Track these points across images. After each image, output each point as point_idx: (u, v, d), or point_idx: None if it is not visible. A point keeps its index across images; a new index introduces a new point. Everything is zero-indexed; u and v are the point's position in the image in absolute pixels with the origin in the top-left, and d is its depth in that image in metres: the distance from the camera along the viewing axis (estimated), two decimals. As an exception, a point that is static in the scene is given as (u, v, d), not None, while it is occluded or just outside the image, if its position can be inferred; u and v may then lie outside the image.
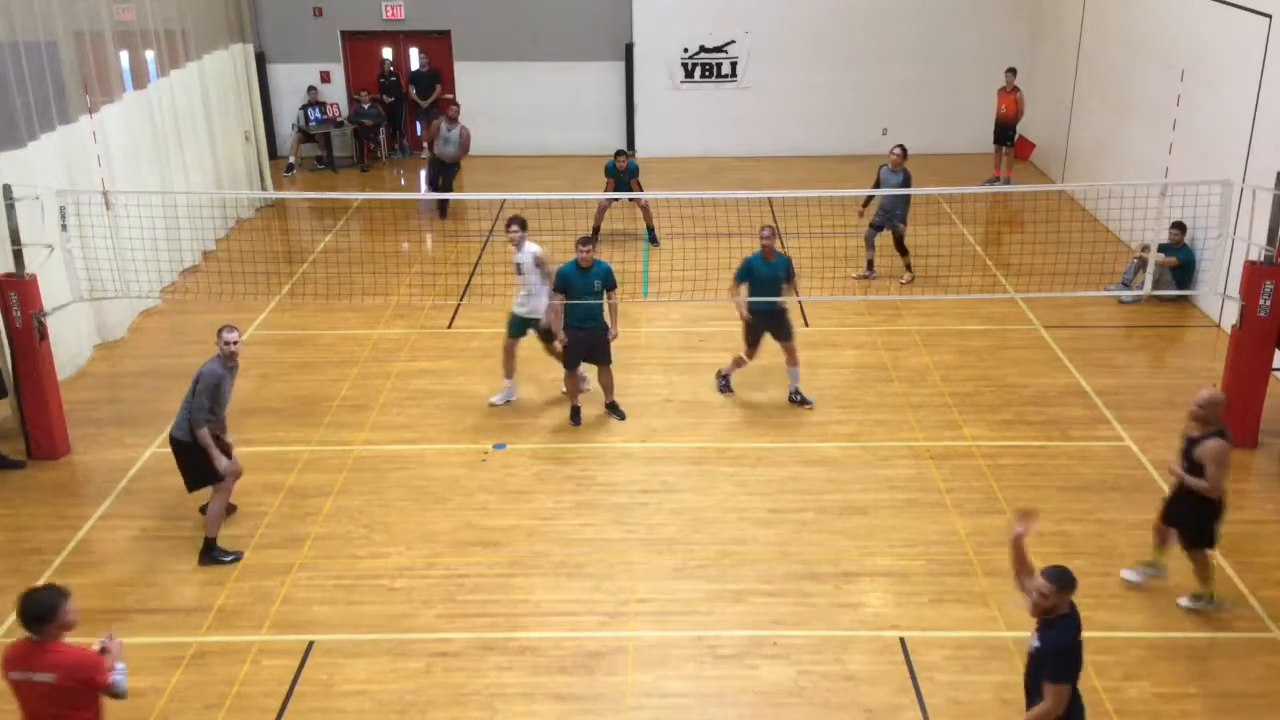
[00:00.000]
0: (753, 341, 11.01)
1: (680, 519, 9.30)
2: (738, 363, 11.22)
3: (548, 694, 7.30)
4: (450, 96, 16.83)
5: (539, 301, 10.78)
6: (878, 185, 13.96)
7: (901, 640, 7.85)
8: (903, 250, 14.11)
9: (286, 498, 9.64)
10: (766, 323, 10.91)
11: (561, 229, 15.38)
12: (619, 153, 15.67)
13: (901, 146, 13.90)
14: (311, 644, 7.85)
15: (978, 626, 7.99)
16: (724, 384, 11.40)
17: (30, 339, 9.96)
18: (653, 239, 15.74)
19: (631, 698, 7.36)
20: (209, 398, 8.47)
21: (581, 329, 10.49)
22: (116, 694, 5.70)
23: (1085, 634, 7.78)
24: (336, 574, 8.63)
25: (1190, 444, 7.77)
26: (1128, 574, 8.43)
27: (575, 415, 10.82)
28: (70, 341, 11.73)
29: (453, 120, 16.78)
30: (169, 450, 8.72)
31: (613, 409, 10.92)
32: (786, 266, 10.92)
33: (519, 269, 10.89)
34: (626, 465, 10.08)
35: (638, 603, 8.22)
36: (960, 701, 7.29)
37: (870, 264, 14.27)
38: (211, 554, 8.76)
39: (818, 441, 10.44)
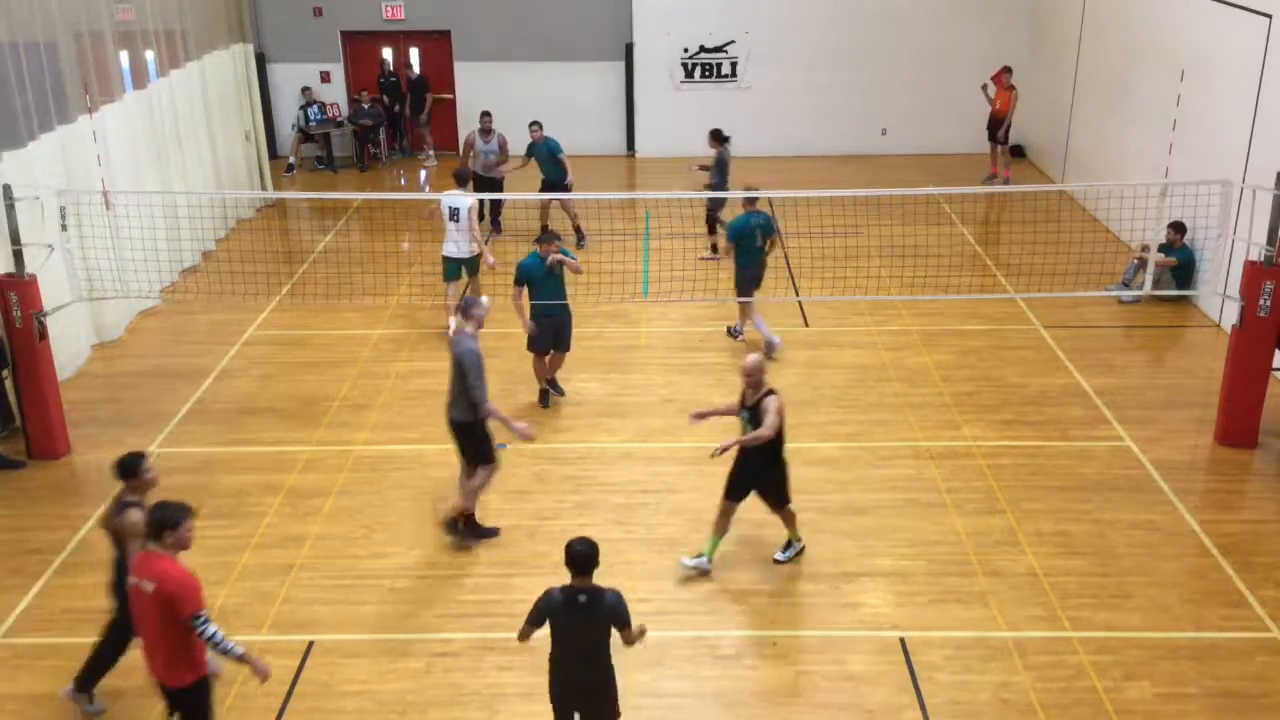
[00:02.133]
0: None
1: (680, 519, 9.30)
2: None
3: (547, 694, 7.30)
4: (485, 110, 16.01)
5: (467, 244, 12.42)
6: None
7: (901, 640, 7.85)
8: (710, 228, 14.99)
9: (286, 498, 9.64)
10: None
11: (563, 228, 15.43)
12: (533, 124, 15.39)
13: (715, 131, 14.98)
14: (311, 644, 7.85)
15: (978, 626, 7.99)
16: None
17: (30, 339, 9.96)
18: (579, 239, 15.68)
19: (630, 697, 7.34)
20: (479, 375, 8.62)
21: (549, 316, 10.84)
22: (206, 637, 5.89)
23: (1085, 634, 7.85)
24: (336, 574, 8.63)
25: (753, 408, 8.23)
26: (686, 561, 8.61)
27: (544, 397, 11.18)
28: (70, 341, 11.73)
29: (488, 132, 15.71)
30: (169, 450, 8.74)
31: (554, 385, 11.30)
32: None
33: (455, 215, 12.33)
34: (626, 465, 10.08)
35: (638, 602, 8.19)
36: (960, 701, 7.30)
37: (714, 246, 14.90)
38: (475, 531, 9.01)
39: (818, 441, 10.44)
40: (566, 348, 11.20)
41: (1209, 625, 8.00)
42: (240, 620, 8.09)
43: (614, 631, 6.19)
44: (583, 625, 6.13)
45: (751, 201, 12.07)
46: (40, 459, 10.22)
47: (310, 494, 9.69)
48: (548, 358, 11.18)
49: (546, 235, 11.06)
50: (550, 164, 15.21)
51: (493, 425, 8.75)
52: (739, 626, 8.02)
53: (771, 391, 8.27)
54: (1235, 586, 8.39)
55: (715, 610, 8.21)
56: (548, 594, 6.17)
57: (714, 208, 15.08)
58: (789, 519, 8.70)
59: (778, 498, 8.55)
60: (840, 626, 8.02)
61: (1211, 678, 7.48)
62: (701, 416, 8.72)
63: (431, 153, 20.26)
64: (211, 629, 5.90)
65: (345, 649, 7.80)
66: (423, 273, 15.02)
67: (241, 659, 6.03)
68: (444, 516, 9.06)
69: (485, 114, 15.96)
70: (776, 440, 8.30)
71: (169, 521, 5.90)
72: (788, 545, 8.78)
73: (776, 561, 8.72)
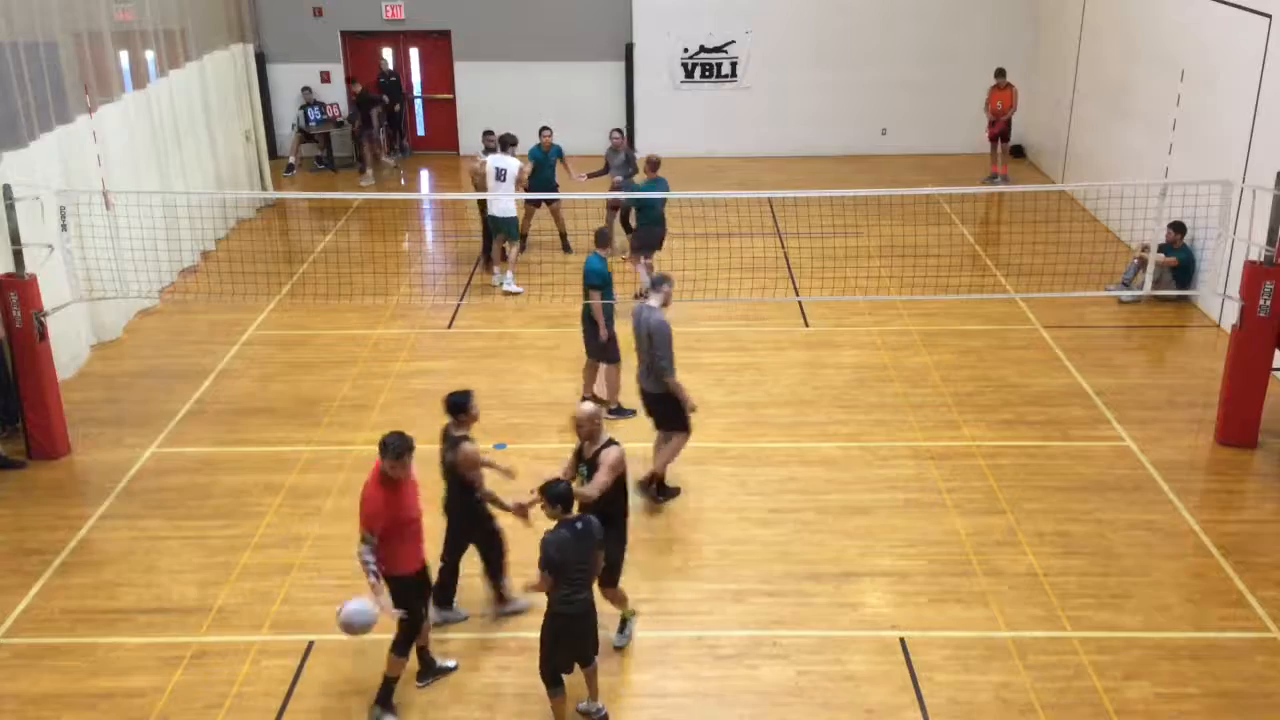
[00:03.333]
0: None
1: (680, 519, 9.30)
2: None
3: (545, 694, 7.30)
4: (487, 130, 15.17)
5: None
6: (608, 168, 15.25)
7: (901, 640, 7.85)
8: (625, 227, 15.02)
9: (286, 498, 9.64)
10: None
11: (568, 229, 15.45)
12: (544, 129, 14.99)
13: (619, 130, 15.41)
14: (311, 644, 7.85)
15: (978, 626, 7.99)
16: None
17: (30, 339, 9.96)
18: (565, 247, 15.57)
19: (631, 697, 7.36)
20: (668, 347, 8.90)
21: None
22: (360, 557, 6.75)
23: (1085, 634, 7.85)
24: (336, 574, 8.63)
25: (590, 462, 7.46)
26: (619, 639, 7.79)
27: (622, 412, 10.77)
28: (70, 341, 11.73)
29: (489, 150, 14.71)
30: (169, 450, 8.74)
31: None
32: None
33: (502, 175, 13.42)
34: (627, 465, 10.05)
35: (638, 603, 8.21)
36: (960, 701, 7.30)
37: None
38: (665, 492, 9.43)
39: (818, 441, 10.44)
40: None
41: (1209, 625, 8.00)
42: (240, 620, 8.09)
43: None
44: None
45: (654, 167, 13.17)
46: (40, 459, 10.21)
47: (310, 494, 9.69)
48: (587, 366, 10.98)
49: (602, 236, 10.87)
50: (553, 170, 15.05)
51: (492, 421, 8.72)
52: (739, 626, 8.02)
53: (612, 442, 7.46)
54: (1235, 586, 8.39)
55: (715, 610, 8.20)
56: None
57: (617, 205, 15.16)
58: (619, 599, 7.75)
59: (607, 576, 7.48)
60: (840, 626, 8.01)
61: (1211, 678, 7.48)
62: (524, 509, 7.51)
63: (390, 163, 19.61)
64: (365, 554, 6.73)
65: (345, 649, 7.80)
66: (422, 272, 15.03)
67: (373, 586, 6.73)
68: (639, 479, 9.27)
69: (489, 132, 15.07)
70: (614, 508, 7.41)
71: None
72: (623, 625, 7.82)
73: (617, 648, 7.74)
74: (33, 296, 9.93)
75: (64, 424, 10.40)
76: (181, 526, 9.23)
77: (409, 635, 7.12)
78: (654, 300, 9.19)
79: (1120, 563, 8.66)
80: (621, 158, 15.21)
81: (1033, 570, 8.57)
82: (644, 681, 7.48)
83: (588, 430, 7.52)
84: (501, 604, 8.11)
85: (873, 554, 8.81)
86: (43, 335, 10.05)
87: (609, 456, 7.37)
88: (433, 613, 7.65)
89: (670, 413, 9.20)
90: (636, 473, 9.23)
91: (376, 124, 19.15)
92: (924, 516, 9.30)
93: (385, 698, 7.13)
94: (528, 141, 15.07)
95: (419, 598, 7.15)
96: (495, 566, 8.01)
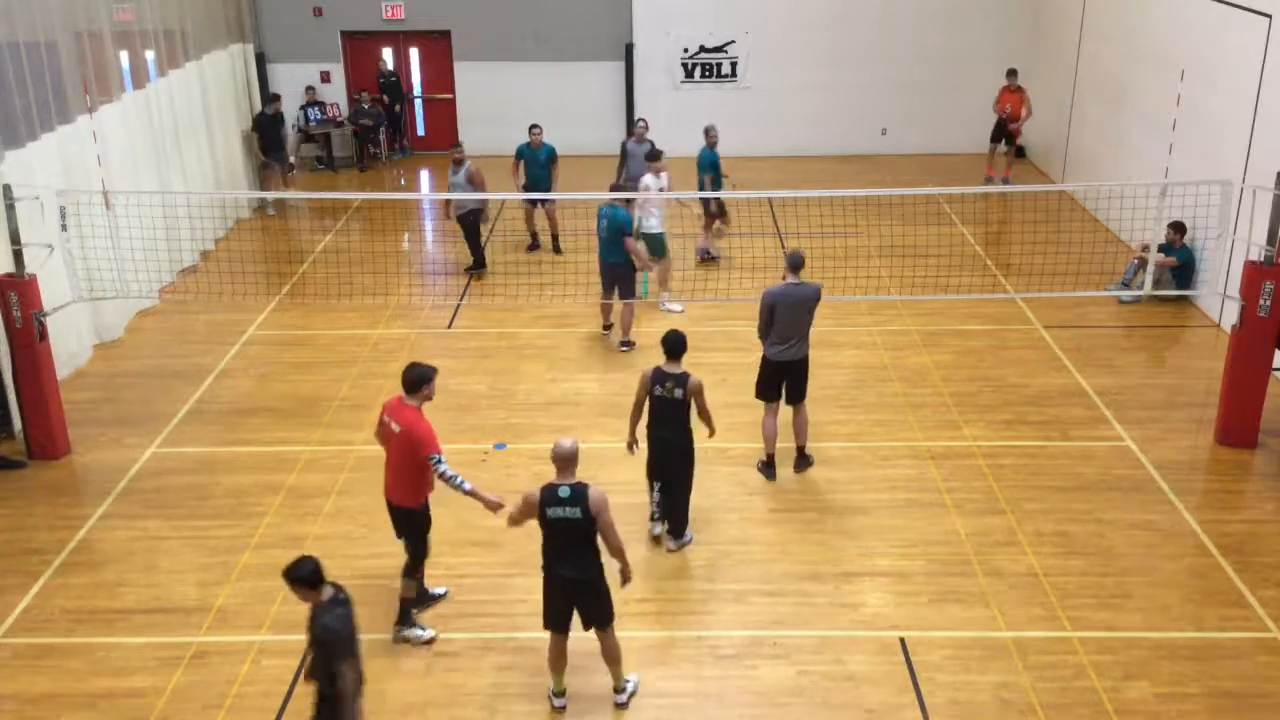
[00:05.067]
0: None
1: (680, 519, 9.29)
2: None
3: (547, 694, 7.30)
4: (458, 143, 14.76)
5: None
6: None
7: (901, 640, 7.85)
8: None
9: (286, 498, 9.64)
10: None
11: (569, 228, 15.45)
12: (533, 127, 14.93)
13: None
14: (311, 644, 7.84)
15: (978, 626, 7.99)
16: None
17: (30, 339, 9.96)
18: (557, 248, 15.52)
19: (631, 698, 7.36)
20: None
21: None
22: (439, 474, 7.34)
23: (1085, 634, 7.85)
24: (336, 574, 8.51)
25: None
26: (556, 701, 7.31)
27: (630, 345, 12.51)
28: (69, 341, 11.73)
29: (458, 162, 14.27)
30: (169, 450, 8.74)
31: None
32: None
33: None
34: (627, 465, 10.05)
35: (638, 603, 8.22)
36: (960, 701, 7.30)
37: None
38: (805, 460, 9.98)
39: (818, 441, 10.43)
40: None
41: (1209, 625, 8.00)
42: (240, 620, 8.09)
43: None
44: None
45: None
46: (40, 459, 10.21)
47: (310, 494, 9.69)
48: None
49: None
50: (542, 168, 14.88)
51: (492, 421, 8.70)
52: (739, 626, 8.02)
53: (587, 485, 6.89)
54: (1235, 586, 8.39)
55: (715, 610, 8.20)
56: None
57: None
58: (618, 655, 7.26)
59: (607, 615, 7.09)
60: (840, 626, 8.01)
61: (1211, 678, 7.48)
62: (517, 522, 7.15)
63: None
64: (444, 467, 7.30)
65: (345, 649, 7.79)
66: (422, 272, 15.03)
67: (470, 494, 7.34)
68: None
69: (457, 143, 14.68)
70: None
71: (414, 382, 7.49)
72: (620, 687, 7.32)
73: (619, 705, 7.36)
74: (33, 296, 9.93)
75: (64, 424, 10.40)
76: (181, 526, 9.23)
77: (419, 560, 7.80)
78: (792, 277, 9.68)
79: (1120, 563, 8.66)
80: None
81: (1033, 570, 8.57)
82: (644, 681, 7.47)
83: (561, 466, 6.93)
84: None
85: (873, 554, 8.81)
86: (43, 335, 10.05)
87: (595, 501, 6.81)
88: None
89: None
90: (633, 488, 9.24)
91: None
92: (924, 516, 9.30)
93: (404, 617, 7.86)
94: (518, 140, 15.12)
95: (429, 526, 7.81)
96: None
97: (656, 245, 13.29)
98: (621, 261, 12.09)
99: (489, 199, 14.87)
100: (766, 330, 9.62)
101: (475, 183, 14.08)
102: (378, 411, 11.09)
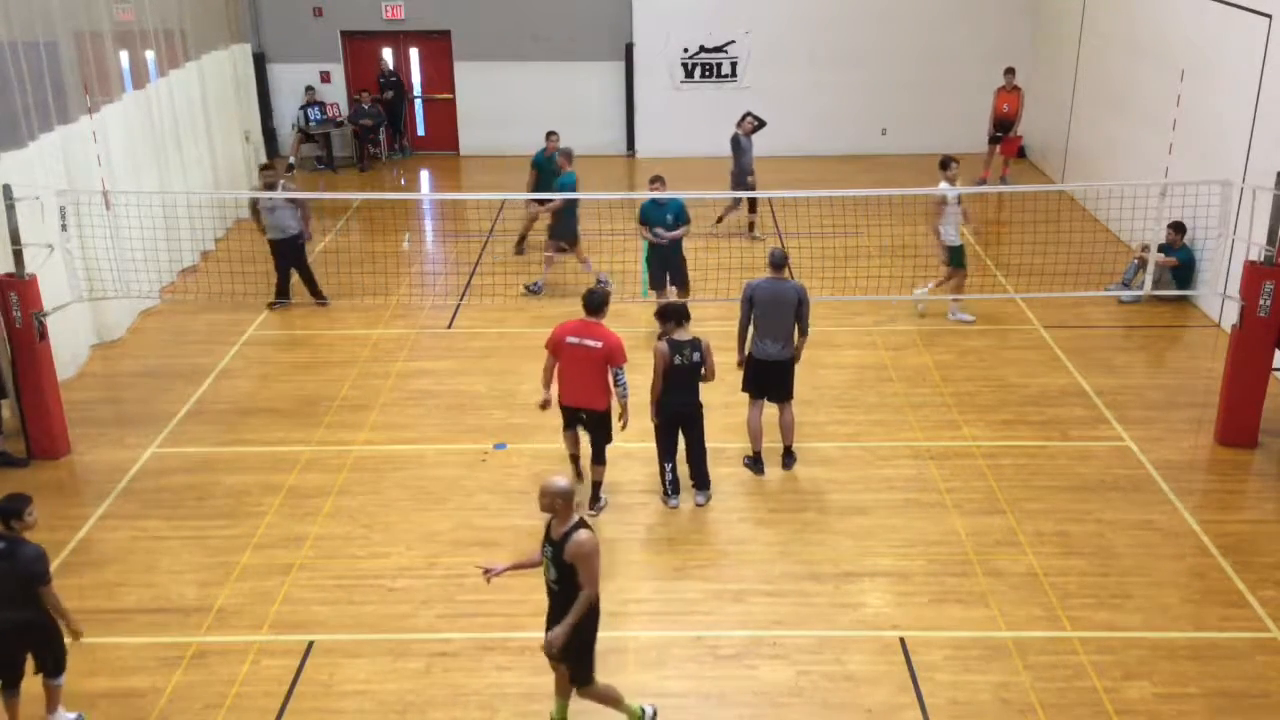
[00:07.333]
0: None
1: (680, 519, 9.30)
2: None
3: (548, 694, 7.29)
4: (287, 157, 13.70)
5: None
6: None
7: (901, 640, 7.85)
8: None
9: (286, 498, 9.64)
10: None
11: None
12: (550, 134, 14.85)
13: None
14: (311, 644, 7.85)
15: (978, 626, 7.99)
16: None
17: (30, 339, 9.96)
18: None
19: (631, 697, 7.35)
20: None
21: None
22: (620, 383, 8.85)
23: (1085, 634, 7.85)
24: (336, 574, 8.63)
25: (559, 544, 6.37)
26: None
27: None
28: (70, 341, 11.73)
29: (270, 186, 13.27)
30: (169, 450, 8.73)
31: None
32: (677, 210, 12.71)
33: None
34: (626, 465, 10.06)
35: (638, 603, 8.22)
36: (960, 701, 7.30)
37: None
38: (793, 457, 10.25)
39: (818, 441, 10.44)
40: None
41: (1209, 625, 8.00)
42: (240, 620, 8.09)
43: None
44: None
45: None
46: (40, 459, 10.21)
47: (310, 494, 9.69)
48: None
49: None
50: (554, 188, 14.51)
51: (492, 421, 8.70)
52: (739, 626, 8.02)
53: (583, 524, 6.39)
54: (1235, 586, 8.39)
55: (715, 610, 8.20)
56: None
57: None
58: (605, 699, 6.92)
59: (578, 673, 6.72)
60: (840, 626, 8.01)
61: (1211, 678, 7.48)
62: (492, 573, 6.82)
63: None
64: (624, 377, 8.86)
65: (345, 649, 7.80)
66: (422, 272, 15.03)
67: (624, 400, 8.90)
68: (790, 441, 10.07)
69: (280, 157, 13.64)
70: (574, 592, 6.45)
71: (600, 305, 8.92)
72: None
73: None
74: (33, 296, 9.93)
75: (64, 424, 10.40)
76: (181, 526, 9.23)
77: (603, 447, 9.19)
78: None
79: (1120, 563, 8.66)
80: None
81: (1033, 570, 8.57)
82: (644, 681, 7.47)
83: (548, 504, 6.37)
84: None
85: (872, 554, 8.81)
86: (43, 335, 10.05)
87: (583, 547, 6.29)
88: None
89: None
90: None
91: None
92: (924, 516, 9.30)
93: (596, 497, 9.34)
94: (535, 143, 15.07)
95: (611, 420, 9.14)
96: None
97: (957, 256, 13.03)
98: (680, 252, 12.79)
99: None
100: (745, 322, 9.82)
101: (302, 209, 13.31)
102: (377, 412, 11.16)
